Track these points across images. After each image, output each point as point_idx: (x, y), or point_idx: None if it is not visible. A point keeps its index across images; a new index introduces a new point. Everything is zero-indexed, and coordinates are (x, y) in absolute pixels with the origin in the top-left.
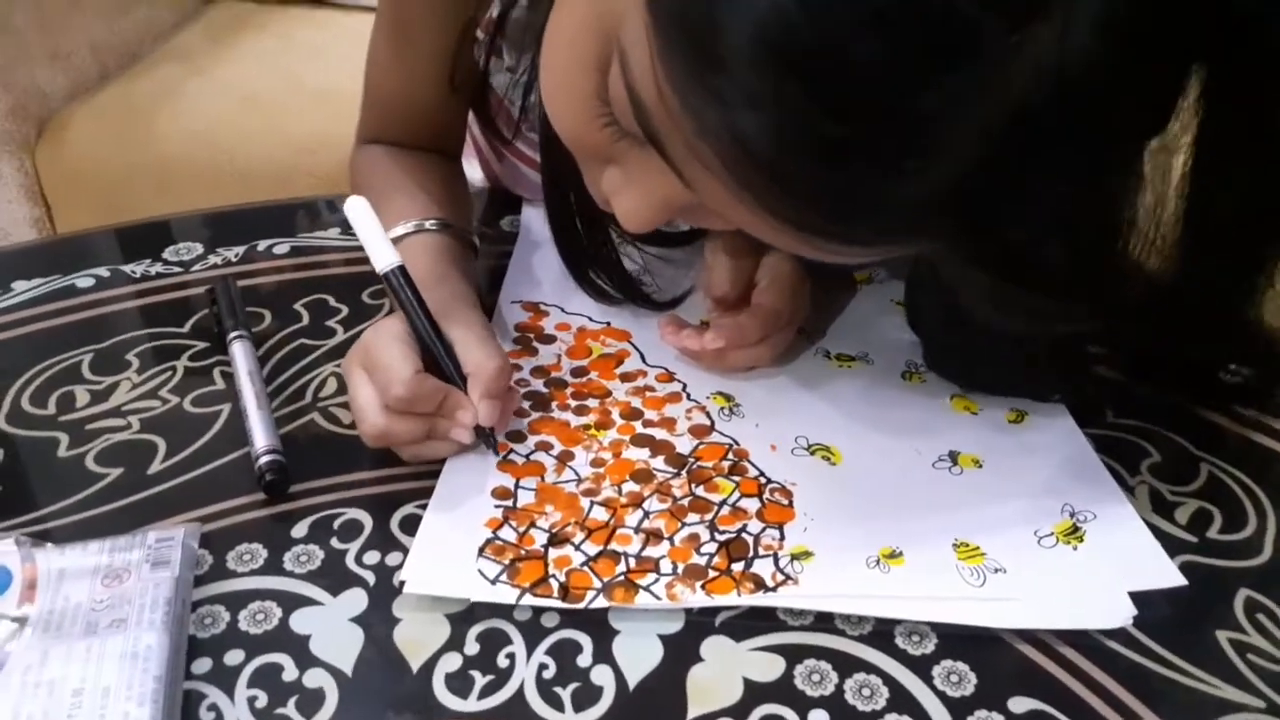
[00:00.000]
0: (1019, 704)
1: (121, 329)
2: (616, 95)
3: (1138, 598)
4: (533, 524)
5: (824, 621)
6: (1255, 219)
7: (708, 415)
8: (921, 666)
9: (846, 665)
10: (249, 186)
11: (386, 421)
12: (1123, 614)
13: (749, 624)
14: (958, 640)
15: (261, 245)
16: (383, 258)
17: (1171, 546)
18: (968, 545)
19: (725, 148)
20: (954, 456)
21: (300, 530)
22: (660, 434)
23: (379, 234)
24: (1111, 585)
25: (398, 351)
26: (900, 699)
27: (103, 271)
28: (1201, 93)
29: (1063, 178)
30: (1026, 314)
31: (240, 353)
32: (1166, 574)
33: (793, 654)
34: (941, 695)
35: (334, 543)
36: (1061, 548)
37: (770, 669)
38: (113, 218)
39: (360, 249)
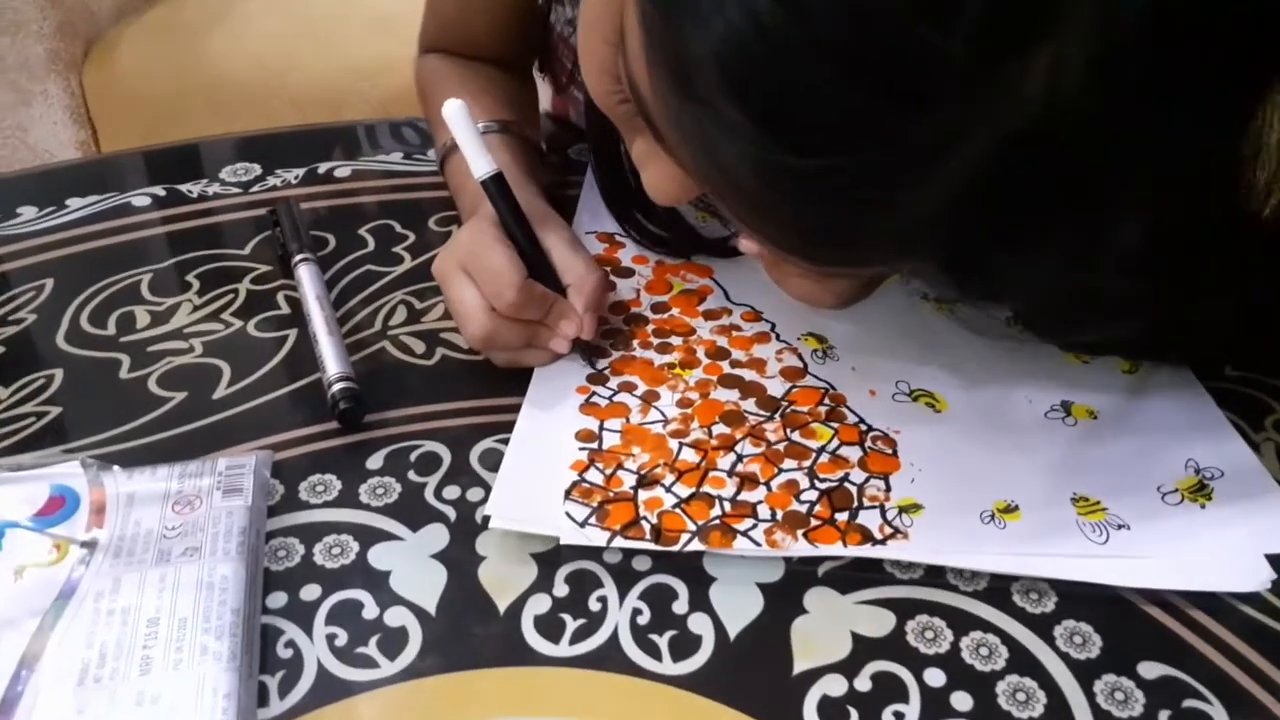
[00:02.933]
0: (1149, 669)
1: (180, 249)
2: (623, 75)
3: (1273, 560)
4: (620, 465)
5: (935, 576)
6: None
7: (800, 357)
8: (1041, 626)
9: (961, 622)
10: (301, 111)
11: (494, 325)
12: (1260, 577)
13: (855, 575)
14: (1079, 600)
15: (322, 168)
16: (481, 163)
17: None
18: (1087, 500)
19: (703, 169)
20: (1067, 407)
21: (375, 462)
22: (750, 375)
23: (476, 139)
24: (1244, 547)
25: (505, 256)
26: (1021, 659)
27: (159, 191)
28: None
29: (1051, 209)
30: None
31: (307, 276)
32: None
33: (903, 609)
34: (1065, 657)
35: (411, 475)
36: (1188, 505)
37: (880, 624)
38: (160, 141)
39: (423, 173)
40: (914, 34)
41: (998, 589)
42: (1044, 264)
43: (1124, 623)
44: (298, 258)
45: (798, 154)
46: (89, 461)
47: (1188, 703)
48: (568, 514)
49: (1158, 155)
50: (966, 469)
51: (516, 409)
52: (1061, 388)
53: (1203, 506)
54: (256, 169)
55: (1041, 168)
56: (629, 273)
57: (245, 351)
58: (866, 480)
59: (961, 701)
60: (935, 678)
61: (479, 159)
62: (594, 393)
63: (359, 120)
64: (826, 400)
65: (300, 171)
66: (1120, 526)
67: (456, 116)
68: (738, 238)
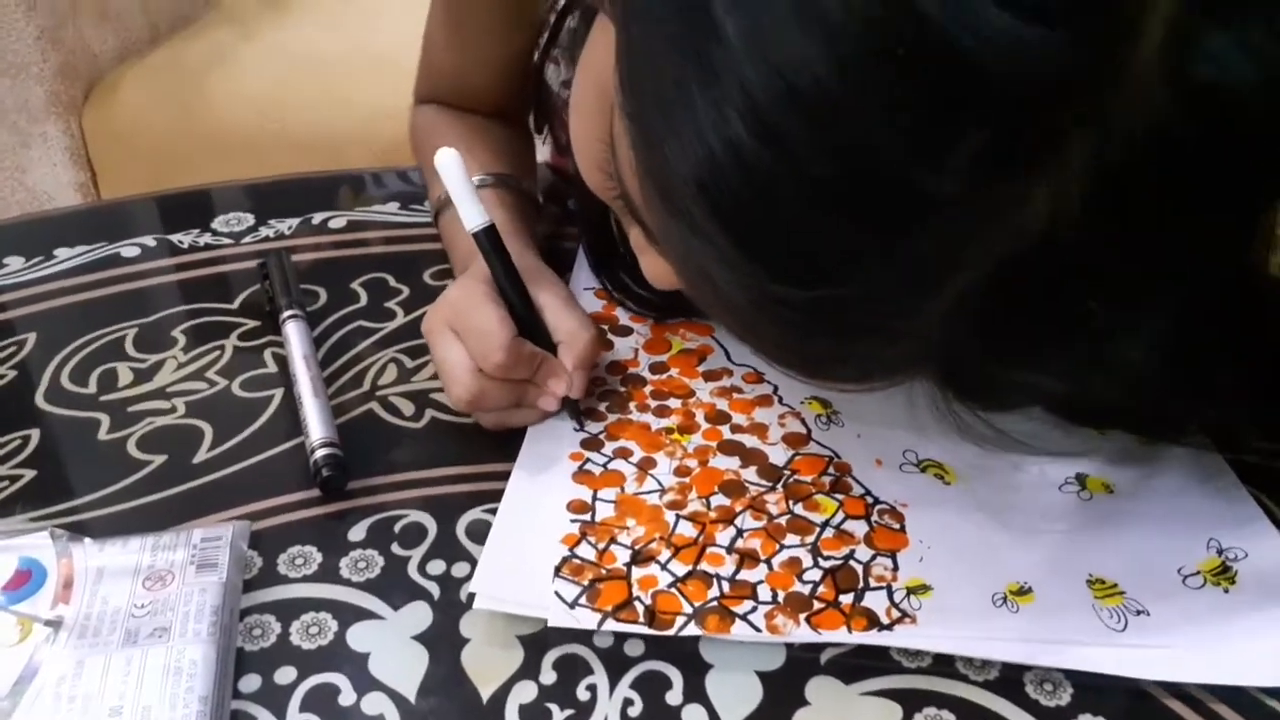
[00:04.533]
0: None
1: (167, 303)
2: (615, 175)
3: None
4: (613, 540)
5: (943, 664)
6: None
7: (803, 422)
8: (1054, 718)
9: (972, 716)
10: (302, 156)
11: (480, 386)
12: None
13: (859, 664)
14: (1097, 691)
15: (316, 218)
16: (473, 215)
17: None
18: (1104, 582)
19: (694, 285)
20: (1082, 480)
21: (358, 533)
22: (751, 441)
23: (469, 190)
24: (1271, 635)
25: (494, 314)
26: None
27: (148, 241)
28: None
29: (1053, 323)
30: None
31: (295, 334)
32: None
33: (910, 700)
34: None
35: (395, 548)
36: (1210, 589)
37: (885, 717)
38: (159, 185)
39: (420, 224)
40: (905, 174)
41: (1010, 679)
42: (1048, 373)
43: (1144, 717)
44: (286, 314)
45: (784, 284)
46: (58, 532)
47: None
48: (557, 593)
49: (1161, 267)
50: (977, 546)
51: (507, 475)
52: (1076, 459)
53: (1226, 590)
54: (249, 219)
55: (1041, 287)
56: (627, 331)
57: (229, 413)
58: (873, 558)
59: None
60: None
61: (471, 210)
62: (588, 459)
63: (357, 169)
64: (831, 469)
65: (294, 222)
66: (1139, 612)
67: (449, 166)
68: None
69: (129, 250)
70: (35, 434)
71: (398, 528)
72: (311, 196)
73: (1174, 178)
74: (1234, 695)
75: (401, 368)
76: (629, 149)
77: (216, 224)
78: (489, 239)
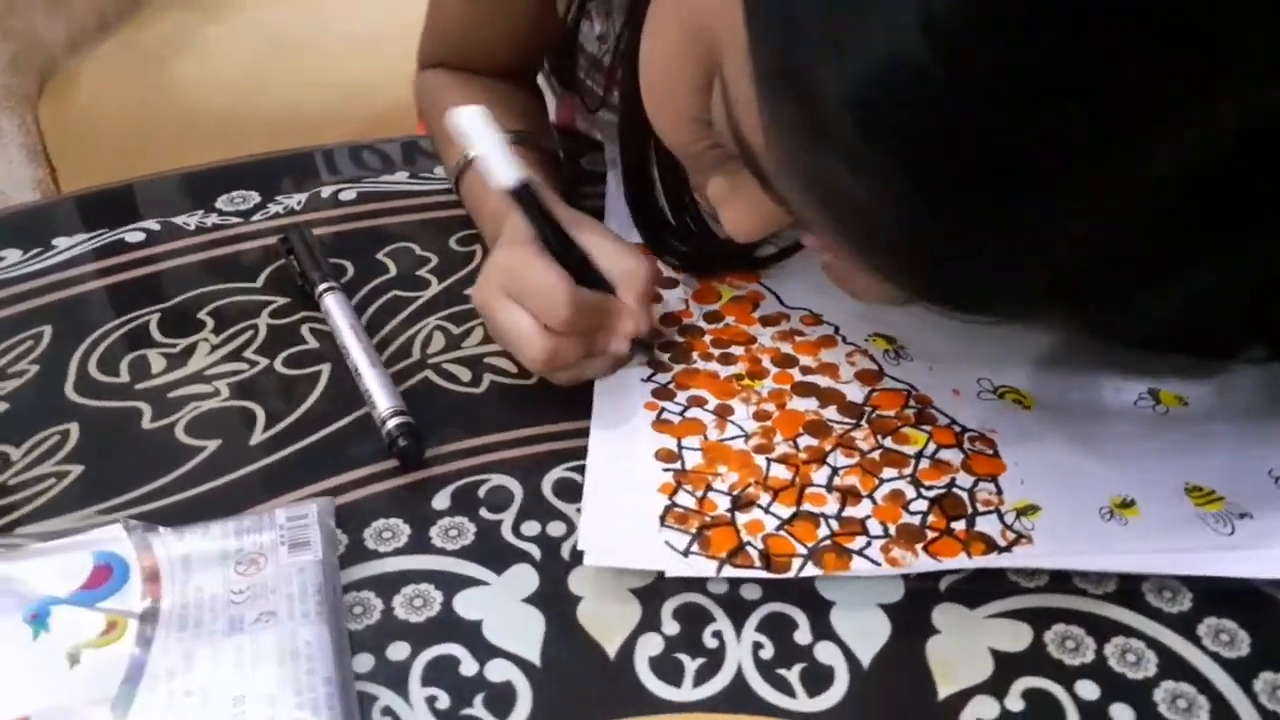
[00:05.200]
0: None
1: (186, 286)
2: (719, 122)
3: None
4: (709, 487)
5: (1060, 581)
6: None
7: (873, 359)
8: (1183, 625)
9: (1100, 628)
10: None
11: (553, 345)
12: None
13: (978, 589)
14: (1216, 595)
15: (325, 192)
16: (507, 172)
17: None
18: (1201, 489)
19: (830, 214)
20: (1155, 395)
21: (442, 501)
22: (824, 381)
23: (500, 146)
24: None
25: (549, 270)
26: (1171, 663)
27: (152, 225)
28: None
29: (1206, 243)
30: None
31: (336, 306)
32: None
33: (1037, 619)
34: (1216, 657)
35: (484, 513)
36: None
37: (1017, 637)
38: (124, 178)
39: (434, 192)
40: (1095, 88)
41: (1128, 590)
42: (1191, 299)
43: (1270, 617)
44: (322, 287)
45: (952, 212)
46: (132, 523)
47: None
48: (667, 543)
49: None
50: (1073, 466)
51: (582, 433)
52: (1145, 377)
53: None
54: (255, 196)
55: (1208, 202)
56: (673, 283)
57: (277, 391)
58: (975, 484)
59: (1122, 714)
60: (1088, 690)
61: (505, 167)
62: (663, 409)
63: (360, 139)
64: (912, 402)
65: (303, 197)
66: (1243, 515)
67: (476, 124)
68: (794, 249)
69: (133, 236)
70: (74, 428)
71: (482, 492)
72: (313, 171)
73: None
74: None
75: (449, 335)
76: (755, 88)
77: (221, 203)
78: (528, 194)
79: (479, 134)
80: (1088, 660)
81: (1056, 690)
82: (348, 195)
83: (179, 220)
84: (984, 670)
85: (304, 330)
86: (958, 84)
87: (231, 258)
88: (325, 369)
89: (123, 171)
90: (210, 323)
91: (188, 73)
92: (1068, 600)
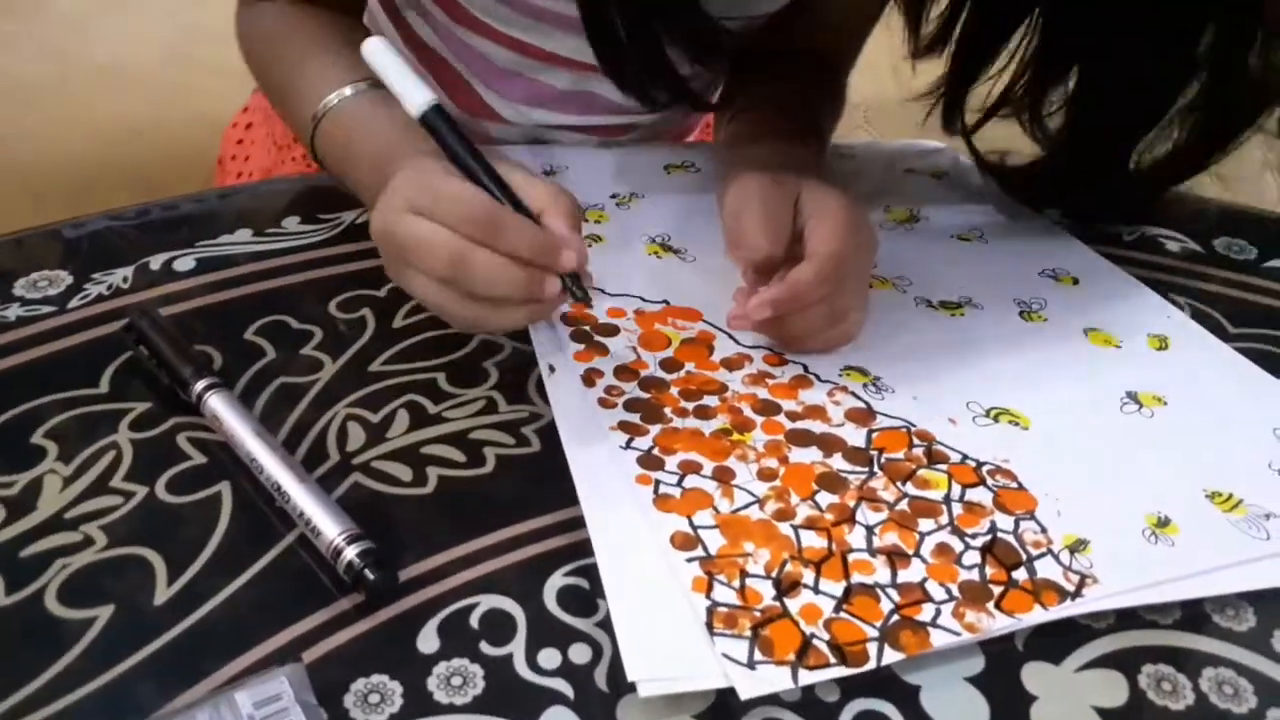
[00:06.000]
0: None
1: (5, 402)
2: None
3: None
4: (744, 573)
5: (1127, 616)
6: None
7: (856, 396)
8: (1260, 644)
9: (1188, 663)
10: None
11: (464, 248)
12: None
13: (1054, 641)
14: (1271, 603)
15: (154, 262)
16: (417, 96)
17: None
18: (1220, 494)
19: None
20: (1134, 397)
21: (429, 641)
22: (818, 427)
23: (407, 73)
24: None
25: (462, 183)
26: (1268, 689)
27: None
28: None
29: None
30: None
31: (227, 409)
32: None
33: (1125, 663)
34: None
35: (485, 648)
36: None
37: (1113, 689)
38: None
39: (291, 250)
40: None
41: (1194, 614)
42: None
43: None
44: (201, 385)
45: None
46: None
47: None
48: (725, 655)
49: None
50: (1096, 488)
51: (572, 525)
52: (1117, 378)
53: None
54: (65, 276)
55: None
56: (613, 330)
57: (171, 528)
58: (1017, 524)
59: None
60: None
61: (414, 91)
62: (658, 481)
63: (185, 194)
64: (916, 440)
65: (127, 272)
66: (1269, 516)
67: (382, 53)
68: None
69: None
70: None
71: (474, 621)
72: (131, 239)
73: None
74: None
75: (368, 425)
76: None
77: (21, 289)
78: (439, 116)
79: (387, 62)
80: (1190, 702)
81: None
82: (184, 265)
83: None
84: None
85: (182, 442)
86: None
87: (57, 358)
88: (223, 489)
89: None
90: (53, 448)
91: None
92: (1144, 636)
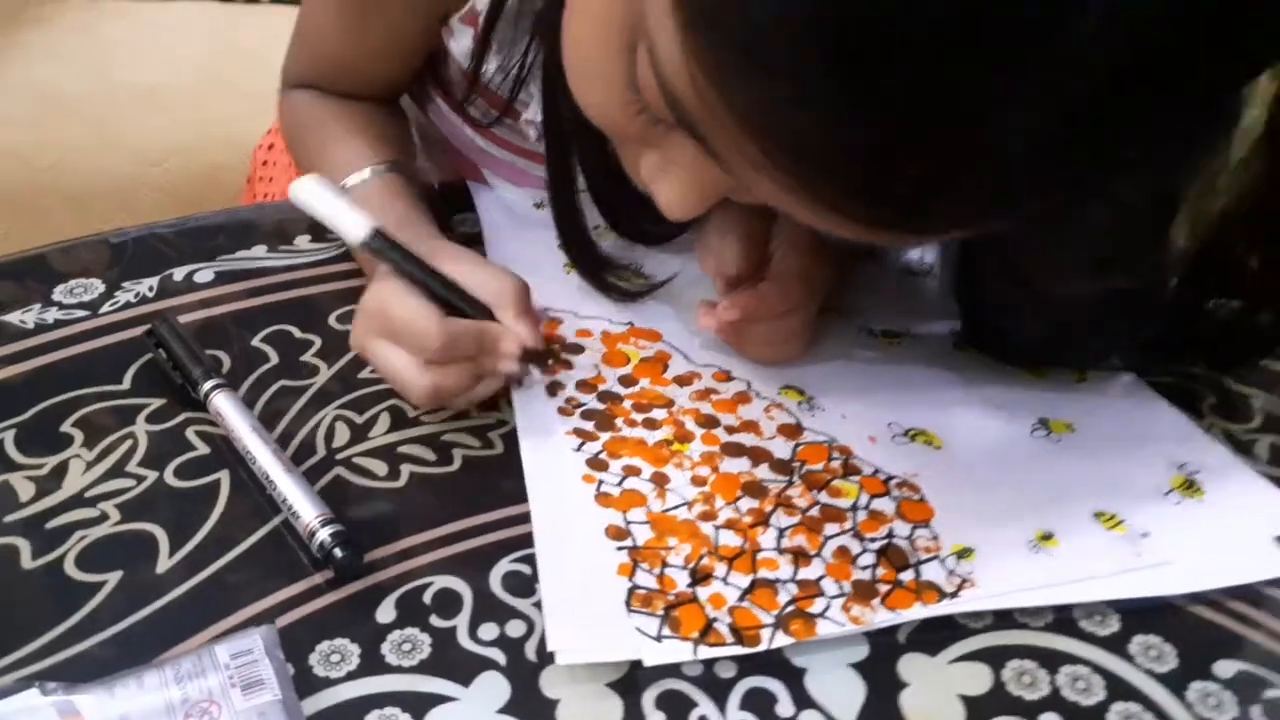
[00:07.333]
0: (1225, 668)
1: (40, 394)
2: (646, 83)
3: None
4: (665, 563)
5: (1003, 617)
6: None
7: (789, 413)
8: (1117, 646)
9: (1049, 660)
10: (81, 209)
11: (433, 378)
12: (1278, 561)
13: (934, 636)
14: (1136, 614)
15: (178, 274)
16: (355, 229)
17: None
18: (1105, 514)
19: (772, 146)
20: (1045, 423)
21: (387, 613)
22: (750, 440)
23: (341, 207)
24: (1253, 533)
25: (416, 304)
26: (1115, 685)
27: None
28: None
29: (1115, 165)
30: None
31: (230, 407)
32: None
33: (993, 658)
34: (1150, 673)
35: (435, 621)
36: (1188, 503)
37: (978, 679)
38: None
39: (300, 266)
40: (1014, 8)
41: (1063, 619)
42: (1104, 214)
43: (1184, 628)
44: (209, 385)
45: (882, 113)
46: (49, 686)
47: (1269, 693)
48: (638, 630)
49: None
50: (992, 503)
51: (520, 519)
52: (1032, 406)
53: (1200, 501)
54: (98, 285)
55: (1102, 117)
56: (578, 349)
57: (175, 508)
58: (912, 531)
59: None
60: None
61: (352, 225)
62: (601, 481)
63: (208, 212)
64: (835, 453)
65: (153, 282)
66: (1144, 535)
67: (315, 193)
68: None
69: None
70: None
71: (428, 598)
72: (158, 251)
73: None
74: (1243, 591)
75: (353, 425)
76: (681, 31)
77: (59, 295)
78: (379, 241)
79: (321, 202)
80: (1045, 693)
81: None
82: (204, 276)
83: (13, 319)
84: (956, 716)
85: (190, 435)
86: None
87: (87, 358)
88: (223, 477)
89: None
90: (79, 435)
91: None
92: (1015, 636)
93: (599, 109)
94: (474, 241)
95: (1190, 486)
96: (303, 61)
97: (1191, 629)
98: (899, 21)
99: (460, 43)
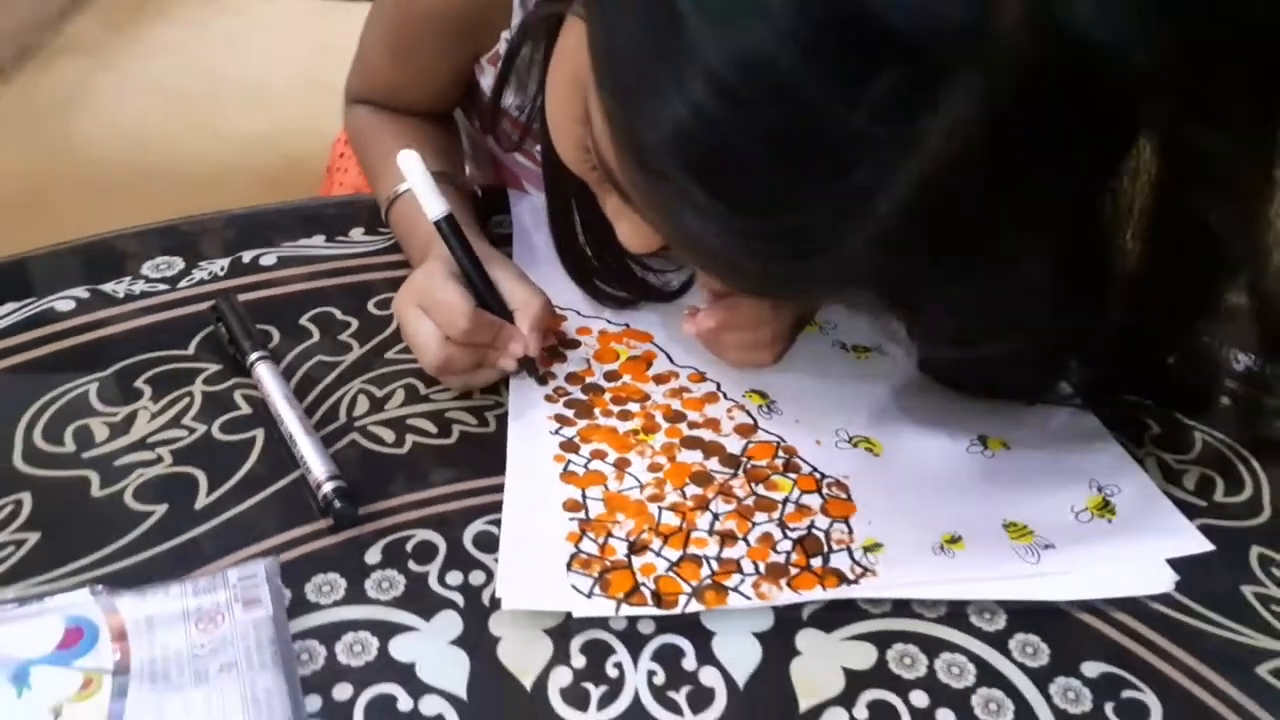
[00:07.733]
0: (1091, 668)
1: (120, 354)
2: (592, 148)
3: (1173, 564)
4: (609, 534)
5: (902, 607)
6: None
7: (749, 414)
8: (998, 641)
9: (931, 647)
10: (179, 190)
11: (448, 353)
12: (1166, 580)
13: (834, 615)
14: (1025, 614)
15: (246, 257)
16: (435, 206)
17: (1187, 512)
18: (1016, 525)
19: (669, 232)
20: (983, 440)
21: (374, 556)
22: (708, 435)
23: (429, 183)
24: (1149, 554)
25: (456, 290)
26: (986, 673)
27: (81, 293)
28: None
29: (964, 243)
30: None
31: (268, 376)
32: (1193, 540)
33: (881, 640)
34: (1022, 666)
35: (412, 566)
36: (1098, 521)
37: (864, 657)
38: (20, 241)
39: (350, 255)
40: (832, 115)
41: (956, 613)
42: (962, 287)
43: (1064, 630)
44: (254, 356)
45: (750, 217)
46: (97, 588)
47: (1126, 693)
48: (574, 586)
49: (1041, 203)
50: (912, 506)
51: (497, 488)
52: (975, 423)
53: (1109, 521)
54: (179, 262)
55: (951, 209)
56: (575, 344)
57: (217, 457)
58: (831, 525)
59: (945, 717)
60: (919, 699)
61: (433, 202)
62: (569, 460)
63: (278, 202)
64: (780, 453)
65: (225, 263)
66: (1047, 546)
67: (412, 164)
68: (680, 287)
69: (63, 304)
70: (26, 498)
71: (409, 547)
72: (233, 236)
73: (1046, 128)
74: (1129, 604)
75: (373, 398)
76: (604, 122)
77: (147, 270)
78: (449, 226)
79: (414, 173)
80: (921, 674)
81: (894, 700)
82: (268, 260)
83: (107, 288)
84: (837, 686)
85: (237, 397)
86: (739, 122)
87: (162, 325)
88: (259, 434)
89: (18, 233)
90: (148, 390)
91: (85, 126)
92: (907, 624)
93: (566, 160)
94: (504, 241)
95: (1104, 507)
96: (361, 82)
97: (1071, 632)
98: (738, 142)
99: (486, 80)
